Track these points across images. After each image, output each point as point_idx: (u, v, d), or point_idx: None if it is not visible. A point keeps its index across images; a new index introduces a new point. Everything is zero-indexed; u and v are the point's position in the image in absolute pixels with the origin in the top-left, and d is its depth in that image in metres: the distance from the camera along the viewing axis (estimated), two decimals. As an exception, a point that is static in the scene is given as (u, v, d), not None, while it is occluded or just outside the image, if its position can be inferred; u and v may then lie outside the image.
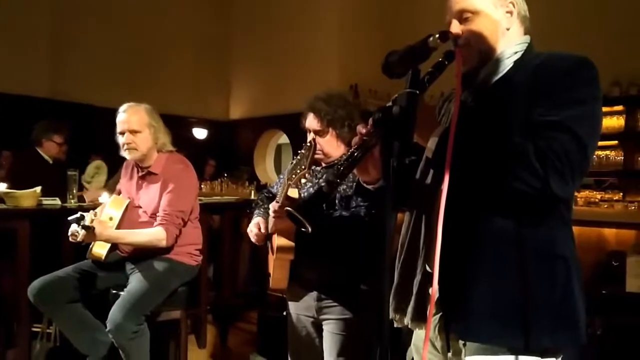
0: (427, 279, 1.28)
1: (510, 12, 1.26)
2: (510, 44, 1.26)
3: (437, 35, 1.08)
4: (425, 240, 1.30)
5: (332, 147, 2.01)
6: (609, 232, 3.35)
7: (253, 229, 2.06)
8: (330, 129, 1.97)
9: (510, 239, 1.16)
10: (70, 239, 2.26)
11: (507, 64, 1.24)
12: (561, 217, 1.21)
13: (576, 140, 1.08)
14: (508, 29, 1.26)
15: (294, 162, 1.84)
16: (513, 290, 1.15)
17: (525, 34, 1.30)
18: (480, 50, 1.25)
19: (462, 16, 1.26)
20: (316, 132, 1.98)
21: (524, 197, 1.10)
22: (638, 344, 2.74)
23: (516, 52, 1.25)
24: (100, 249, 2.43)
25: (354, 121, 1.98)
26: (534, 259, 1.16)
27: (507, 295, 1.15)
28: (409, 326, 1.34)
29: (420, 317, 1.30)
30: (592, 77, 1.16)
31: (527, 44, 1.27)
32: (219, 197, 4.91)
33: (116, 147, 2.57)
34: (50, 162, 3.95)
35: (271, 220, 1.89)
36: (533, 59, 1.22)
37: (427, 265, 1.28)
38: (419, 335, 1.41)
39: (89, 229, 2.23)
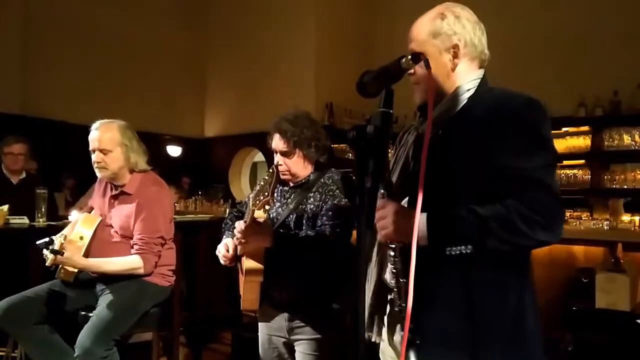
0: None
1: (455, 54, 1.31)
2: (461, 82, 1.31)
3: (409, 57, 1.10)
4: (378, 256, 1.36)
5: (299, 167, 2.01)
6: (578, 249, 3.42)
7: (221, 250, 2.03)
8: (297, 150, 1.98)
9: (461, 267, 1.20)
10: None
11: (461, 101, 1.30)
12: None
13: (547, 190, 1.17)
14: (454, 70, 1.31)
15: (258, 187, 1.84)
16: (462, 316, 1.19)
17: (481, 66, 1.35)
18: (425, 90, 1.31)
19: None
20: (283, 153, 1.99)
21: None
22: None
23: (469, 90, 1.30)
24: (70, 270, 2.37)
25: (320, 141, 2.00)
26: (483, 285, 1.20)
27: (457, 321, 1.20)
28: (372, 339, 1.39)
29: (379, 331, 1.37)
30: (542, 118, 1.23)
31: (479, 79, 1.32)
32: (192, 216, 4.85)
33: (89, 163, 2.52)
34: (15, 182, 3.86)
35: (238, 242, 1.88)
36: (485, 93, 1.29)
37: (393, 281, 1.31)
38: (384, 346, 1.44)
39: (58, 253, 2.18)
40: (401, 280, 1.25)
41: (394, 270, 1.26)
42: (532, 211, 1.13)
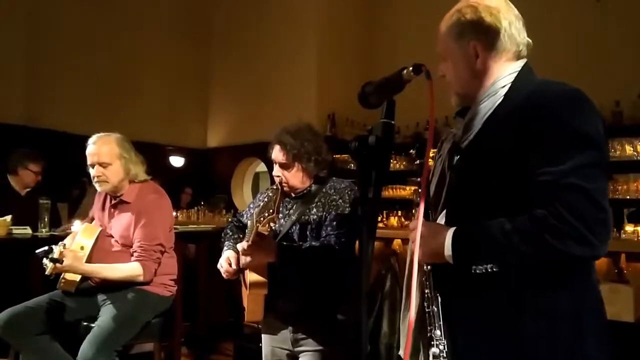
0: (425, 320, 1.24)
1: (476, 52, 1.22)
2: (494, 79, 1.22)
3: (410, 68, 1.10)
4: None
5: (297, 180, 2.00)
6: (581, 260, 3.40)
7: (223, 265, 2.02)
8: (296, 163, 1.97)
9: (500, 289, 1.11)
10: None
11: (494, 100, 1.20)
12: (582, 268, 1.13)
13: (583, 195, 1.01)
14: (480, 69, 1.23)
15: (262, 204, 1.83)
16: (505, 348, 1.10)
17: (518, 57, 1.24)
18: (455, 92, 1.29)
19: (441, 57, 1.30)
20: (281, 165, 1.98)
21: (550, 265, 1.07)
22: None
23: (504, 86, 1.20)
24: (72, 277, 2.38)
25: (320, 155, 1.98)
26: (530, 310, 1.09)
27: (499, 352, 1.11)
28: None
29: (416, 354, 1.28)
30: (581, 110, 1.08)
31: (516, 73, 1.21)
32: (195, 226, 4.85)
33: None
34: (22, 193, 3.87)
35: (242, 258, 1.87)
36: (522, 88, 1.17)
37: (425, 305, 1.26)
38: None
39: (58, 262, 2.18)
40: (431, 307, 1.20)
41: (427, 295, 1.21)
42: (561, 221, 1.00)
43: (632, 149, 4.85)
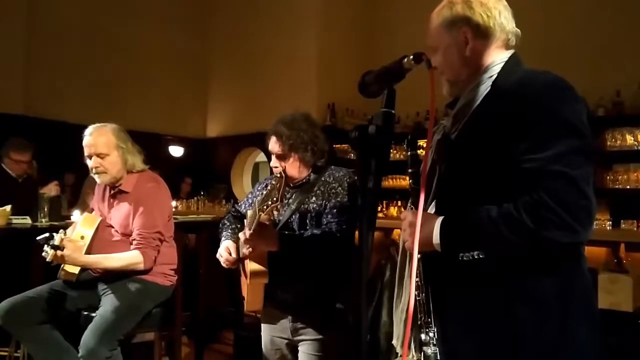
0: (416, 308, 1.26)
1: (467, 42, 1.25)
2: (483, 68, 1.24)
3: (411, 57, 1.10)
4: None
5: (294, 170, 2.00)
6: (581, 250, 3.41)
7: (223, 254, 2.03)
8: (292, 153, 1.97)
9: (490, 277, 1.12)
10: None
11: (483, 90, 1.22)
12: (570, 255, 1.14)
13: (567, 182, 1.03)
14: (470, 58, 1.25)
15: (265, 192, 1.83)
16: (496, 336, 1.12)
17: (508, 47, 1.27)
18: (446, 79, 1.30)
19: (432, 49, 1.31)
20: (278, 156, 1.98)
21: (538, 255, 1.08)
22: (610, 360, 2.78)
23: (491, 76, 1.22)
24: (72, 269, 2.38)
25: (316, 145, 1.98)
26: (518, 298, 1.10)
27: (490, 340, 1.12)
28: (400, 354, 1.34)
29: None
30: (565, 98, 1.10)
31: (503, 63, 1.23)
32: (194, 216, 4.85)
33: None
34: (19, 180, 3.89)
35: (242, 248, 1.87)
36: (509, 77, 1.19)
37: (417, 294, 1.27)
38: None
39: (58, 249, 2.19)
40: (422, 295, 1.21)
41: (417, 283, 1.23)
42: (545, 209, 1.01)
43: (632, 138, 4.84)
